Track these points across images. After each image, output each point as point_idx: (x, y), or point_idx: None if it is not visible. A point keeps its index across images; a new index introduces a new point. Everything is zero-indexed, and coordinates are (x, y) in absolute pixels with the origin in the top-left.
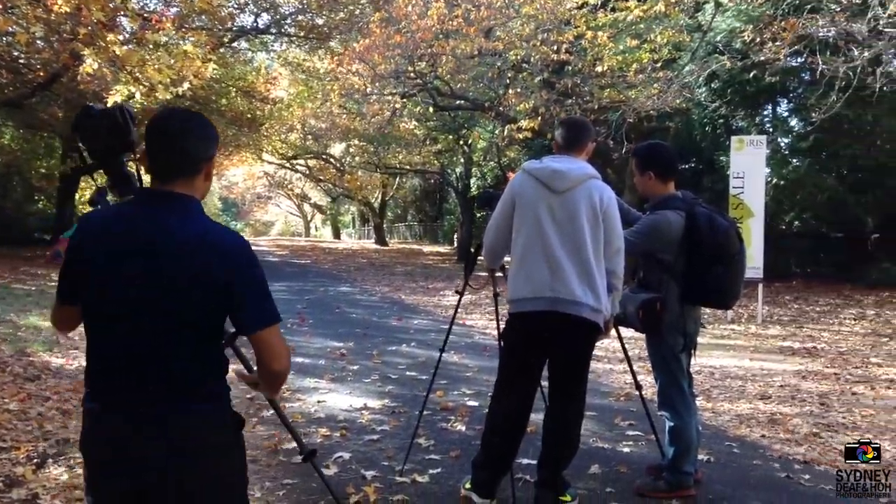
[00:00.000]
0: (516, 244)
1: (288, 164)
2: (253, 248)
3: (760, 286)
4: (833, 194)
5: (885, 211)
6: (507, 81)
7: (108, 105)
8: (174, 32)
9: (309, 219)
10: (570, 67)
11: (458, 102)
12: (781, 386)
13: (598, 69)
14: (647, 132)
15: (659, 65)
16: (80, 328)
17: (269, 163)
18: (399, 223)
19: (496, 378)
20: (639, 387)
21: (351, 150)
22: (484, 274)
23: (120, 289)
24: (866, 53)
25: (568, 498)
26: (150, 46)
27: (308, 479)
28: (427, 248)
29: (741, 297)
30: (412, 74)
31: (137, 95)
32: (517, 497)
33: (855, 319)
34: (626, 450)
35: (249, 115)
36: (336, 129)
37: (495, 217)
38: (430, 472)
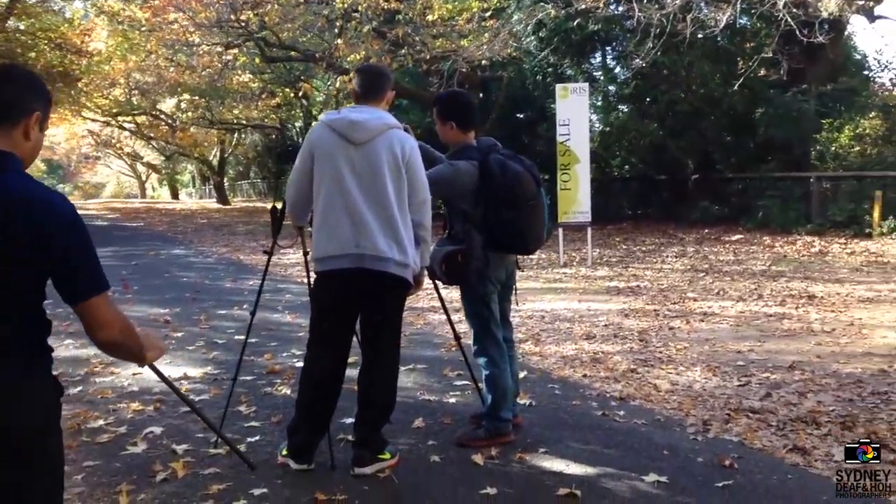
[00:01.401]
0: (317, 199)
1: (114, 122)
2: (79, 211)
3: (589, 230)
4: (654, 139)
5: (702, 153)
6: (337, 31)
7: None
8: None
9: (144, 179)
10: (400, 16)
11: (289, 54)
12: (606, 325)
13: (429, 18)
14: (479, 82)
15: (488, 14)
16: None
17: (93, 120)
18: (241, 181)
19: (308, 338)
20: (457, 337)
21: (182, 105)
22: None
23: None
24: (678, 1)
25: (387, 455)
26: None
27: (112, 459)
28: (270, 206)
29: (545, 241)
30: (236, 24)
31: None
32: (336, 459)
33: (676, 257)
34: (453, 400)
35: (61, 69)
36: (164, 84)
37: (294, 171)
38: (249, 440)
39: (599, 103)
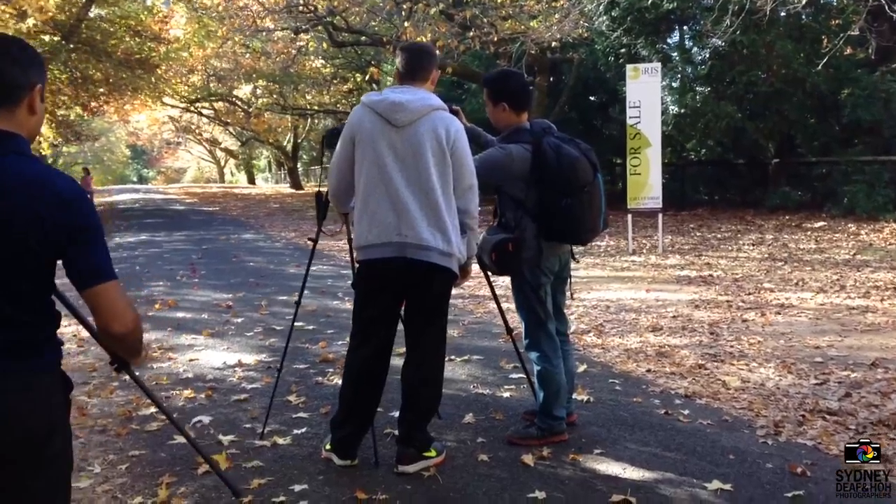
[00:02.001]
0: (358, 185)
1: (192, 108)
2: (159, 196)
3: (660, 216)
4: (732, 121)
5: (783, 136)
6: (405, 14)
7: None
8: None
9: (223, 164)
10: None
11: (357, 38)
12: (674, 317)
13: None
14: (548, 64)
15: None
16: None
17: (173, 107)
18: (315, 166)
19: (351, 329)
20: (509, 330)
21: (257, 91)
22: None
23: None
24: None
25: (433, 453)
26: None
27: (158, 449)
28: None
29: (603, 230)
30: (305, 9)
31: None
32: (381, 455)
33: (753, 245)
34: (507, 395)
35: (139, 56)
36: (241, 70)
37: (336, 156)
38: (295, 432)
39: (675, 84)
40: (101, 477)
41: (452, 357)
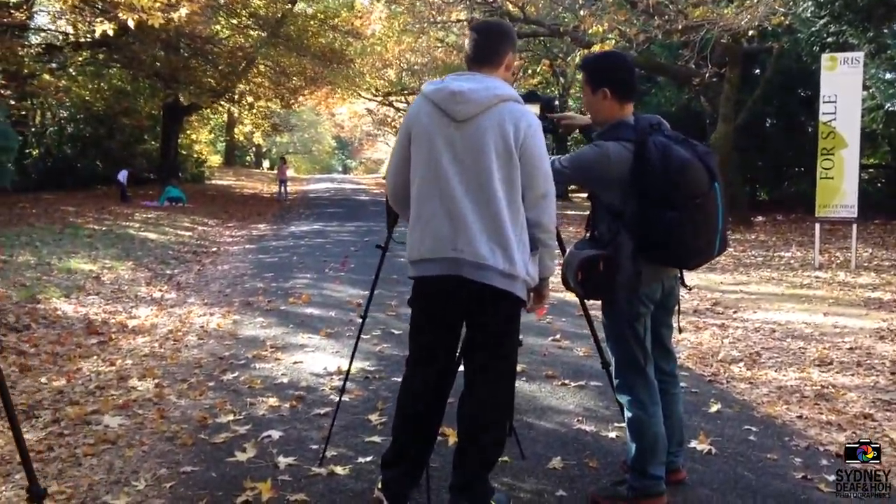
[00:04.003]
0: (413, 189)
1: (385, 101)
2: (350, 186)
3: (854, 227)
4: None
5: None
6: (581, 1)
7: None
8: None
9: None
10: None
11: (535, 29)
12: (850, 349)
13: None
14: (741, 55)
15: None
16: None
17: (369, 100)
18: None
19: (407, 355)
20: (605, 363)
21: None
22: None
23: None
24: None
25: None
26: None
27: (213, 466)
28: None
29: (719, 253)
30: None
31: (130, 23)
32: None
33: None
34: (613, 435)
35: (333, 50)
36: (434, 63)
37: (392, 153)
38: (360, 460)
39: (888, 76)
40: (140, 495)
41: (566, 382)
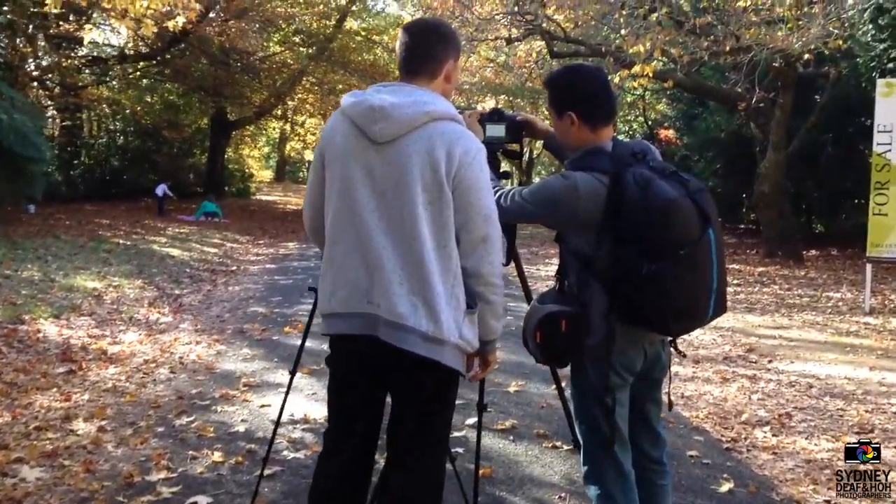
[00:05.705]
0: (327, 224)
1: None
2: None
3: None
4: None
5: None
6: (623, 20)
7: None
8: None
9: None
10: (705, 2)
11: (574, 47)
12: None
13: (740, 4)
14: (795, 79)
15: None
16: None
17: None
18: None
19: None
20: (577, 443)
21: (499, 105)
22: None
23: None
24: None
25: None
26: None
27: None
28: None
29: (714, 317)
30: (521, 17)
31: (124, 31)
32: None
33: None
34: None
35: (376, 67)
36: (483, 84)
37: (308, 182)
38: None
39: None
40: None
41: (558, 444)
